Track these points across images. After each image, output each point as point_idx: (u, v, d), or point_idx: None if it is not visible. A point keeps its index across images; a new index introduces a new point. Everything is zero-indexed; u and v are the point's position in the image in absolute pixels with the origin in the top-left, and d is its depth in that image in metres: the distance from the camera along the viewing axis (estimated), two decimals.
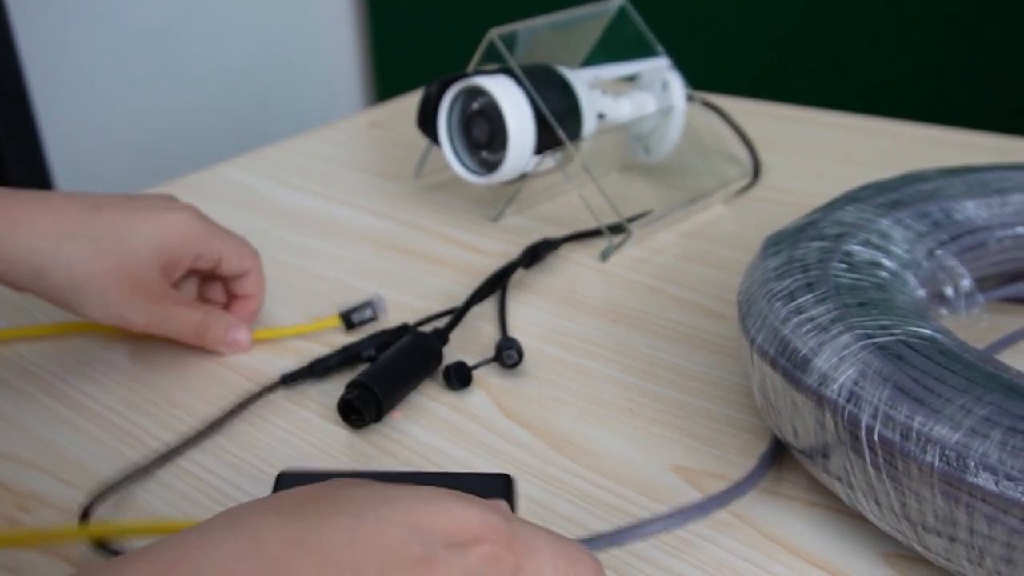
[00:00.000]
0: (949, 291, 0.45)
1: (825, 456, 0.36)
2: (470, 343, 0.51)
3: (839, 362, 0.35)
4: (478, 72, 0.61)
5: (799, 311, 0.39)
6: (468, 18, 1.48)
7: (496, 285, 0.55)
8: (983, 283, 0.49)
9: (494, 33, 0.61)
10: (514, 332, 0.52)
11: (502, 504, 0.30)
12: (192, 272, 0.52)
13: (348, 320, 0.53)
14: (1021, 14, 1.07)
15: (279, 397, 0.47)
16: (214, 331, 0.50)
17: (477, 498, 0.27)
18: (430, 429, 0.44)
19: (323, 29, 1.65)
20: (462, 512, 0.26)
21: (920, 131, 0.78)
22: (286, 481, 0.35)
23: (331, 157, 0.80)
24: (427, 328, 0.51)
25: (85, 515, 0.39)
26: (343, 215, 0.68)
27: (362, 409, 0.44)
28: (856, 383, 0.34)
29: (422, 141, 0.68)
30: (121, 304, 0.47)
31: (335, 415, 0.45)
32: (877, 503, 0.34)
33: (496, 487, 0.34)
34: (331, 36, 1.67)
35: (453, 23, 1.53)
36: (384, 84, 1.70)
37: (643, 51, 0.68)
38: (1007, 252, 0.48)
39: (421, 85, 0.64)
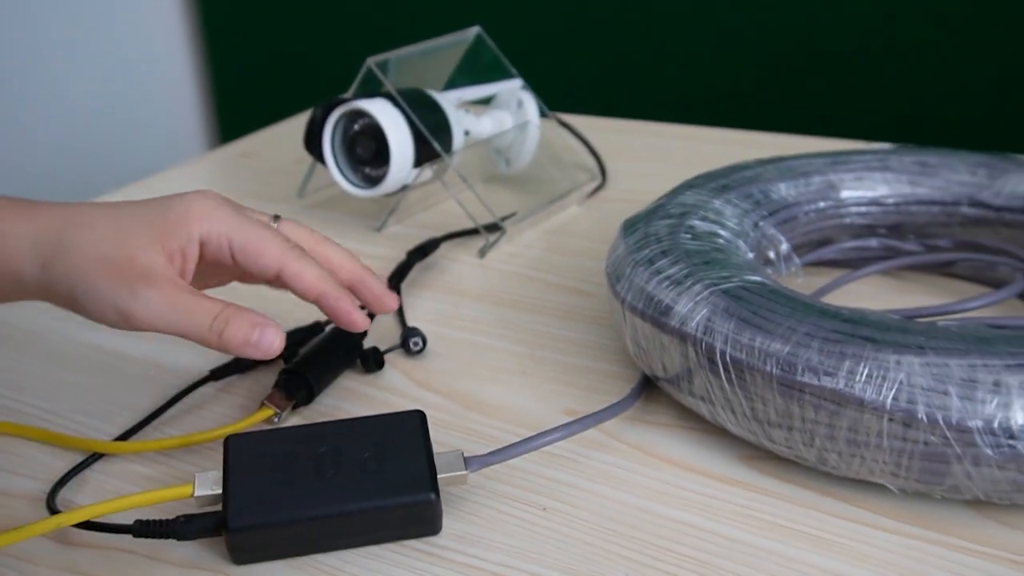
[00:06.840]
0: (772, 255, 0.56)
1: (689, 381, 0.45)
2: (374, 332, 0.57)
3: (695, 306, 0.44)
4: (358, 96, 0.68)
5: (658, 272, 0.48)
6: (306, 53, 1.53)
7: (398, 282, 0.62)
8: (798, 250, 0.60)
9: (371, 61, 0.68)
10: (412, 321, 0.59)
11: None
12: (218, 267, 0.47)
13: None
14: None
15: (210, 389, 0.52)
16: (235, 327, 0.42)
17: None
18: (356, 404, 0.51)
19: (162, 79, 1.66)
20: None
21: (746, 136, 0.89)
22: (234, 444, 0.41)
23: (209, 186, 0.84)
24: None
25: (51, 500, 0.43)
26: None
27: (294, 391, 0.50)
28: (709, 320, 0.43)
29: (298, 167, 0.74)
30: (118, 296, 0.41)
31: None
32: (733, 412, 0.43)
33: (412, 421, 0.42)
34: (171, 86, 1.68)
35: (290, 60, 1.57)
36: (226, 127, 1.72)
37: (499, 74, 0.77)
38: (812, 223, 0.59)
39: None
